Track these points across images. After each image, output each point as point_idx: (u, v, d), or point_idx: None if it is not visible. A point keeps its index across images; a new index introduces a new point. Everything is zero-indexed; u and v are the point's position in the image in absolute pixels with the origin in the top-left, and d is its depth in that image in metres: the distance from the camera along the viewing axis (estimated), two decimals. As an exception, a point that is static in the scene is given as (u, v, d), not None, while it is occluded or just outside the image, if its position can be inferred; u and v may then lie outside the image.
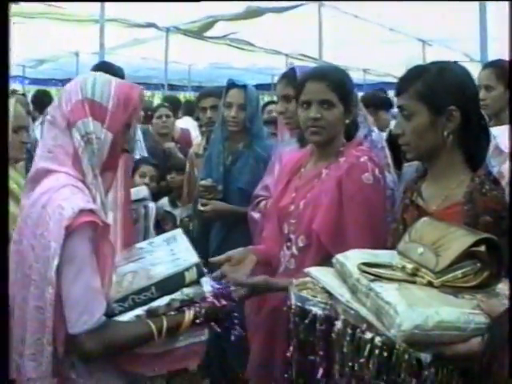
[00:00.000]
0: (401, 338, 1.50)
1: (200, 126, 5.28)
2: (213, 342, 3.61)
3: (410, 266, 1.66)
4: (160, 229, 4.40)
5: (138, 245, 2.63)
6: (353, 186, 2.52)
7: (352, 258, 1.74)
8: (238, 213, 3.73)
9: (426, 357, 1.51)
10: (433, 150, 2.12)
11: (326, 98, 2.58)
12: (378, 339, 1.55)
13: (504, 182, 2.25)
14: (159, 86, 14.34)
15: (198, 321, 2.07)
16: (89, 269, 1.90)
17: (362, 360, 1.57)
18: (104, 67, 5.25)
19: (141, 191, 4.26)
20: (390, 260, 1.70)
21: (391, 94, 6.85)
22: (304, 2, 8.92)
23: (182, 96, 14.60)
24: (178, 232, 2.63)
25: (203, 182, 3.99)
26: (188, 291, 2.12)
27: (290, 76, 3.29)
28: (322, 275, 1.85)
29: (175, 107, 7.21)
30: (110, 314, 1.98)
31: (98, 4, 7.78)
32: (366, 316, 1.60)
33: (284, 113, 3.26)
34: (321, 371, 1.81)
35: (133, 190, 4.30)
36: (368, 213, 2.53)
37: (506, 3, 1.73)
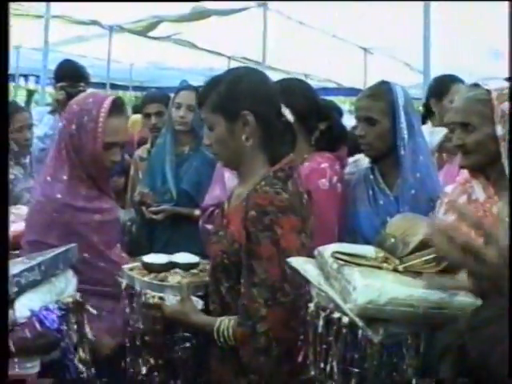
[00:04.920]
0: (354, 312, 1.61)
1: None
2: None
3: (380, 255, 1.76)
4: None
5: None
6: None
7: (331, 249, 1.82)
8: (183, 214, 3.93)
9: (376, 336, 1.61)
10: (237, 156, 2.24)
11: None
12: (345, 319, 1.65)
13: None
14: (100, 85, 14.18)
15: None
16: None
17: (330, 338, 1.66)
18: (69, 65, 5.14)
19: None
20: (367, 252, 1.80)
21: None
22: (251, 4, 8.97)
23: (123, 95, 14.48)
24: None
25: (140, 191, 4.09)
26: None
27: None
28: (301, 264, 1.94)
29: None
30: None
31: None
32: (333, 296, 1.69)
33: None
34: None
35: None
36: (317, 215, 2.60)
37: (506, 3, 1.81)
